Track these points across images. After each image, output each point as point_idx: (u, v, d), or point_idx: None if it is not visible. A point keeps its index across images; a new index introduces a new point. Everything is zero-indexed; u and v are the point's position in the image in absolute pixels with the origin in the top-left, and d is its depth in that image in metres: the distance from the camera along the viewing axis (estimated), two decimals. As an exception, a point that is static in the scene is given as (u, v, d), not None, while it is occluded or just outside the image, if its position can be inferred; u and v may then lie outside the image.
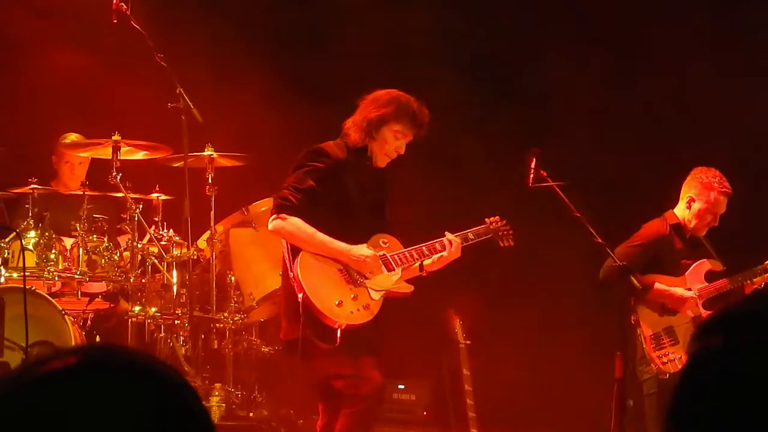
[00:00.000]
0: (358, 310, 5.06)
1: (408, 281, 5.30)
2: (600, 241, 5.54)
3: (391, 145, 5.20)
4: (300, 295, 4.96)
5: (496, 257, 7.14)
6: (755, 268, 6.22)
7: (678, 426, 1.28)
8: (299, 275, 4.98)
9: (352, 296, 5.07)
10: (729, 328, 1.28)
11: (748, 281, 6.22)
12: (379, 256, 5.14)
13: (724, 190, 6.30)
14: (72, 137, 7.15)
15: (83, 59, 7.38)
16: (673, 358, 6.08)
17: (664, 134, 7.71)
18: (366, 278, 5.11)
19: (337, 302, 5.02)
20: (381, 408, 5.26)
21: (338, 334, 4.96)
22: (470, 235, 5.41)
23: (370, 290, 5.12)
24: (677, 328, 6.17)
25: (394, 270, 5.20)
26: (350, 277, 5.10)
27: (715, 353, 1.26)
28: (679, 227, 6.37)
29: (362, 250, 5.11)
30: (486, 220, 5.54)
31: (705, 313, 6.19)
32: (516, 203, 5.68)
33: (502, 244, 5.56)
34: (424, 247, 5.27)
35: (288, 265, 5.07)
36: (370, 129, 5.18)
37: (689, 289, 6.24)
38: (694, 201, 6.34)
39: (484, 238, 5.48)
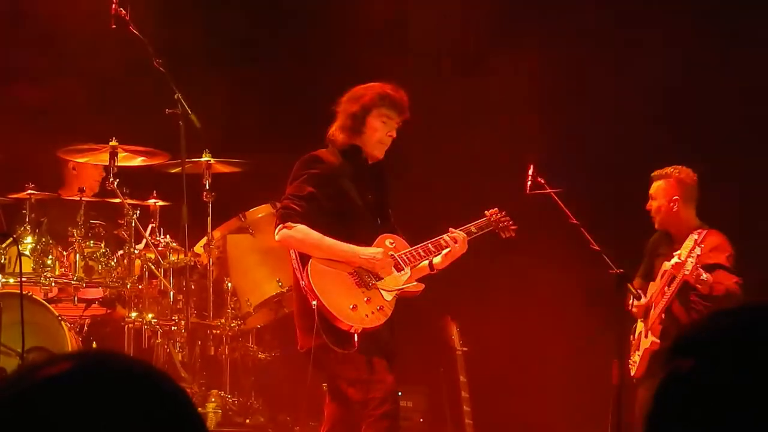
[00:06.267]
0: (373, 312, 5.04)
1: (418, 281, 5.26)
2: (596, 247, 5.54)
3: (382, 131, 5.17)
4: (314, 303, 4.94)
5: (494, 264, 7.15)
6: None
7: None
8: (311, 283, 4.96)
9: (365, 299, 5.06)
10: (698, 349, 1.30)
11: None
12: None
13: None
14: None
15: (81, 65, 7.37)
16: (632, 363, 6.11)
17: (663, 136, 7.67)
18: (378, 279, 5.10)
19: (351, 306, 5.00)
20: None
21: (355, 339, 4.95)
22: (472, 229, 5.39)
23: (382, 291, 5.11)
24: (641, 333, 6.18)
25: (403, 270, 5.19)
26: (361, 280, 5.09)
27: (685, 375, 1.29)
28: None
29: (372, 249, 5.11)
30: (486, 212, 5.50)
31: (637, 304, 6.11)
32: (513, 209, 5.65)
33: (503, 236, 5.52)
34: (429, 244, 5.26)
35: (298, 274, 5.05)
36: (355, 123, 5.16)
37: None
38: None
39: (486, 230, 5.45)
